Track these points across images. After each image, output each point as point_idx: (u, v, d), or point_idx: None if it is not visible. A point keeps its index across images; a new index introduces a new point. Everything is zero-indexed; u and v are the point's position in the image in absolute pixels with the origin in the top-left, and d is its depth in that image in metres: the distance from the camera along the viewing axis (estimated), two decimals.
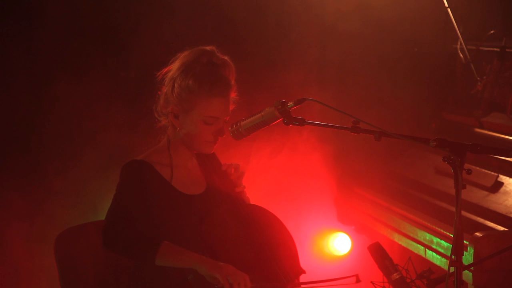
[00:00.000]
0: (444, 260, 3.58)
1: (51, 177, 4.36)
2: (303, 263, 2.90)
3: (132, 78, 4.57)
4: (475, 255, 3.28)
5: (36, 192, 4.34)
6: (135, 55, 4.48)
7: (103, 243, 2.79)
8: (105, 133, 4.40)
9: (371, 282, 2.78)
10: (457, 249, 2.37)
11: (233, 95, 2.93)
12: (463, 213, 2.43)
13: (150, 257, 2.72)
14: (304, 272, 2.87)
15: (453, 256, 2.37)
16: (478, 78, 4.37)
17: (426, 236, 3.72)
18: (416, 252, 3.81)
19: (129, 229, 2.76)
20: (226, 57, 2.95)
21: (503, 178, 3.78)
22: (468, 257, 3.29)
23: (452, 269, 2.37)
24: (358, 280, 2.71)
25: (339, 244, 4.93)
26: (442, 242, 3.60)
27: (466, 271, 3.28)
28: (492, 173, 3.84)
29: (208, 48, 2.94)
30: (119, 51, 4.52)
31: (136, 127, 4.29)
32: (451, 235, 3.52)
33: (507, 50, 4.18)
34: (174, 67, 2.92)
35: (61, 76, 4.36)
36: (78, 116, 4.43)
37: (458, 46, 4.53)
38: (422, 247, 3.76)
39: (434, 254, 3.66)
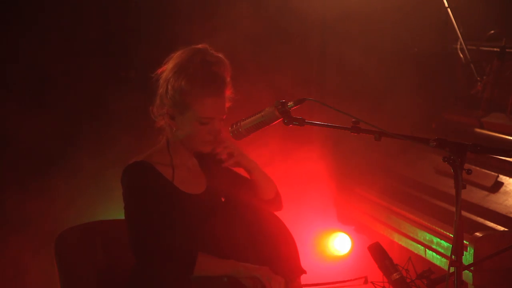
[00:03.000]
0: (444, 260, 3.58)
1: (50, 177, 4.36)
2: (303, 263, 2.90)
3: (133, 78, 4.56)
4: (475, 255, 3.28)
5: (36, 192, 4.34)
6: (135, 55, 4.48)
7: (140, 263, 2.77)
8: (105, 133, 4.40)
9: (371, 282, 2.78)
10: (457, 249, 2.36)
11: (228, 93, 2.90)
12: (463, 213, 2.42)
13: (188, 272, 2.72)
14: (304, 272, 2.87)
15: (453, 256, 2.37)
16: (478, 78, 4.37)
17: (426, 236, 3.72)
18: (416, 252, 3.81)
19: (160, 243, 2.74)
20: (220, 55, 2.92)
21: (503, 178, 3.78)
22: (468, 257, 3.29)
23: (452, 269, 2.37)
24: (366, 281, 2.73)
25: (339, 244, 4.93)
26: (442, 242, 3.60)
27: (466, 271, 3.28)
28: (492, 173, 3.84)
29: (200, 46, 2.91)
30: (119, 51, 4.51)
31: (137, 127, 4.29)
32: (451, 235, 3.52)
33: (507, 50, 4.18)
34: (168, 67, 2.90)
35: (61, 76, 4.36)
36: (78, 116, 4.43)
37: (458, 46, 4.53)
38: (422, 247, 3.75)
39: (434, 254, 3.66)
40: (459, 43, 4.52)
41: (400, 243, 3.99)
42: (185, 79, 2.83)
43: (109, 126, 4.41)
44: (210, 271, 2.73)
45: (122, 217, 3.04)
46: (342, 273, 4.72)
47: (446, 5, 4.50)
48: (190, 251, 2.74)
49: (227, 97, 2.90)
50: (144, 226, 2.76)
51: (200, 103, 2.83)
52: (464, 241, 2.94)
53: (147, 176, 2.84)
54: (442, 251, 3.60)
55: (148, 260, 2.74)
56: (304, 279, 2.88)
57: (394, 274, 2.65)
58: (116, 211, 3.78)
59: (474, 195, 3.80)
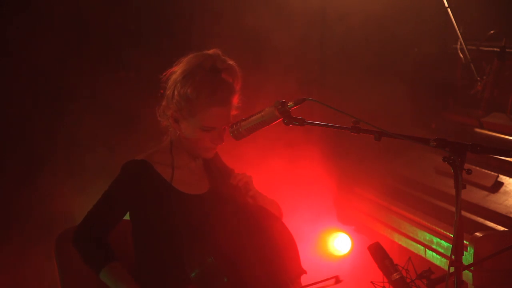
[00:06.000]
0: (444, 260, 3.58)
1: (50, 177, 4.36)
2: (303, 263, 2.89)
3: (132, 78, 4.57)
4: (475, 255, 3.28)
5: (36, 192, 4.34)
6: (135, 55, 4.48)
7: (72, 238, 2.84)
8: (105, 132, 4.40)
9: (371, 282, 2.77)
10: (457, 249, 2.37)
11: (235, 101, 2.88)
12: (463, 213, 2.43)
13: (96, 271, 2.78)
14: (305, 272, 2.87)
15: (453, 256, 2.37)
16: (478, 78, 4.36)
17: (426, 236, 3.72)
18: (416, 252, 3.81)
19: (95, 234, 2.80)
20: (231, 61, 2.89)
21: (503, 178, 3.78)
22: (468, 257, 3.29)
23: (452, 269, 2.37)
24: (338, 281, 2.71)
25: (339, 244, 4.93)
26: (442, 242, 3.60)
27: (466, 271, 3.28)
28: (492, 173, 3.84)
29: (211, 52, 2.88)
30: (119, 51, 4.52)
31: (136, 127, 4.30)
32: (451, 235, 3.52)
33: (507, 50, 4.17)
34: (178, 70, 2.87)
35: (61, 76, 4.37)
36: (79, 116, 4.43)
37: (458, 46, 4.53)
38: (422, 247, 3.76)
39: (434, 254, 3.66)
40: (459, 43, 4.52)
41: (400, 243, 3.99)
42: (192, 86, 2.81)
43: (111, 126, 4.41)
44: (113, 281, 2.77)
45: None
46: (342, 273, 4.72)
47: (446, 5, 4.50)
48: (108, 255, 2.78)
49: (234, 106, 2.88)
50: (95, 216, 2.83)
51: (204, 112, 2.81)
52: (464, 241, 2.94)
53: (139, 174, 2.84)
54: (442, 251, 3.60)
55: (75, 240, 2.82)
56: (304, 279, 2.87)
57: (394, 274, 2.65)
58: None
59: (474, 195, 3.80)
